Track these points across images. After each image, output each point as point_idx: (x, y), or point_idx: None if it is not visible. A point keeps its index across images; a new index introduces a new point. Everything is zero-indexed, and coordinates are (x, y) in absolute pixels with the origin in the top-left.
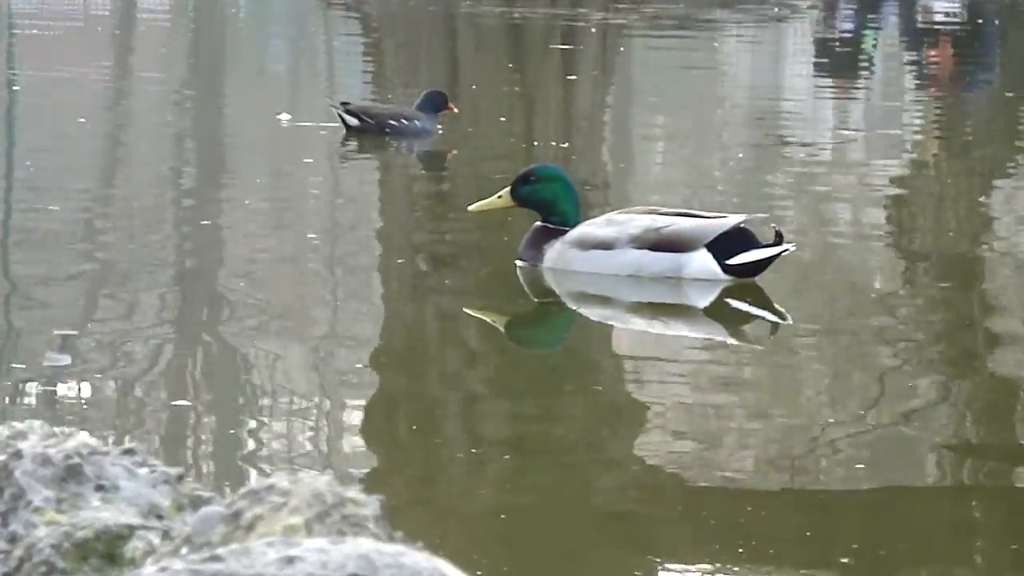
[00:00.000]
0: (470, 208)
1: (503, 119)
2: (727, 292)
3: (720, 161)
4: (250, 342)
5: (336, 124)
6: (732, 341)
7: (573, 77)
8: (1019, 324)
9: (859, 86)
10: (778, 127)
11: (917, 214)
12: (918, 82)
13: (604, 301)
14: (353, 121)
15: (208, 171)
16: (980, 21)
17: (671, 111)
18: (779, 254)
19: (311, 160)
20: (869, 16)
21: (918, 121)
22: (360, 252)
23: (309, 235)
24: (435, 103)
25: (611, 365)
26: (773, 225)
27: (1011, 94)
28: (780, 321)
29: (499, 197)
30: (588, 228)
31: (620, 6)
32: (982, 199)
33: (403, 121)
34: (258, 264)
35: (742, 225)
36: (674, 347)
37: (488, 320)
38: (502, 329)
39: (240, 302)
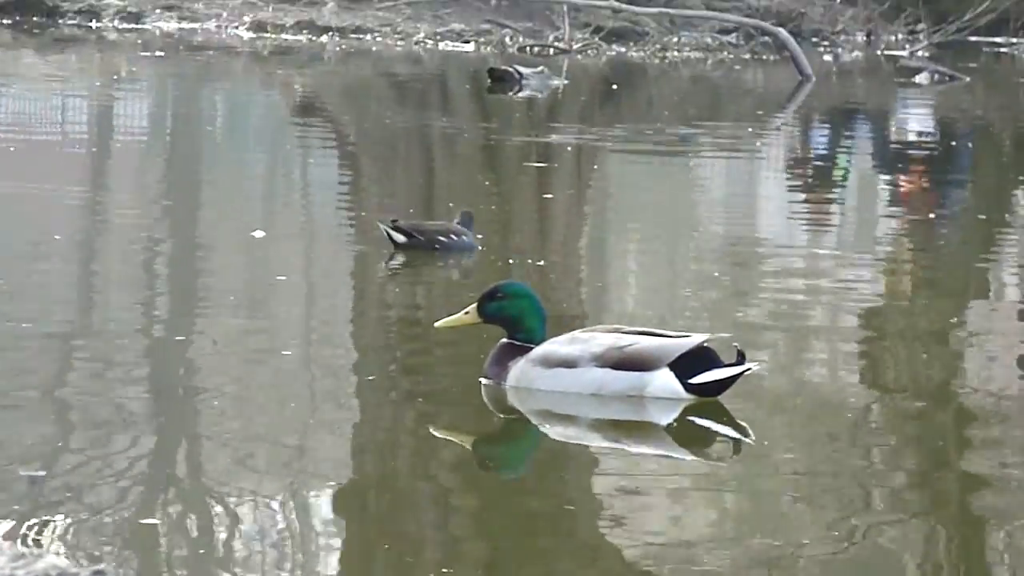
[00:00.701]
0: (437, 324)
1: (480, 236)
2: (690, 410)
3: (695, 279)
4: (221, 463)
5: (310, 240)
6: (695, 459)
7: (549, 196)
8: (990, 456)
9: (832, 207)
10: (752, 246)
11: (889, 337)
12: (891, 203)
13: (568, 420)
14: (400, 238)
15: (182, 288)
16: (954, 143)
17: (646, 230)
18: (741, 373)
19: (284, 277)
20: (843, 135)
21: (891, 243)
22: (333, 370)
23: (284, 352)
24: (468, 222)
25: (577, 485)
26: (735, 344)
27: (984, 216)
28: (743, 439)
29: (466, 313)
30: (551, 346)
31: (595, 125)
32: (953, 319)
33: (452, 237)
34: (231, 382)
35: (705, 344)
36: (637, 465)
37: (455, 441)
38: (469, 448)
39: (211, 420)
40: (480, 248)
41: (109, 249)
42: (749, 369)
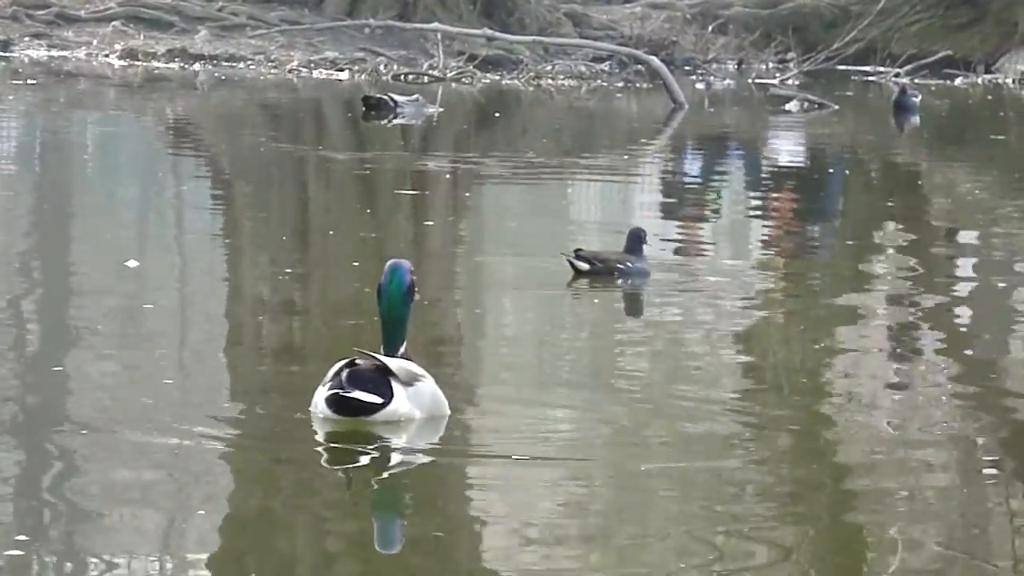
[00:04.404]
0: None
1: (356, 263)
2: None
3: (570, 309)
4: (90, 495)
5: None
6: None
7: (430, 223)
8: (860, 466)
9: (704, 234)
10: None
11: (763, 361)
12: (763, 230)
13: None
14: (583, 265)
15: (55, 318)
16: (828, 170)
17: (518, 256)
18: (374, 405)
19: (151, 305)
20: (716, 162)
21: (764, 270)
22: (208, 402)
23: (165, 381)
24: (639, 240)
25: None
26: (391, 376)
27: (852, 242)
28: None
29: None
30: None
31: (470, 152)
32: (818, 345)
33: (629, 264)
34: (102, 412)
35: (373, 367)
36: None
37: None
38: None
39: (81, 452)
40: (652, 273)
41: None
42: (374, 404)
